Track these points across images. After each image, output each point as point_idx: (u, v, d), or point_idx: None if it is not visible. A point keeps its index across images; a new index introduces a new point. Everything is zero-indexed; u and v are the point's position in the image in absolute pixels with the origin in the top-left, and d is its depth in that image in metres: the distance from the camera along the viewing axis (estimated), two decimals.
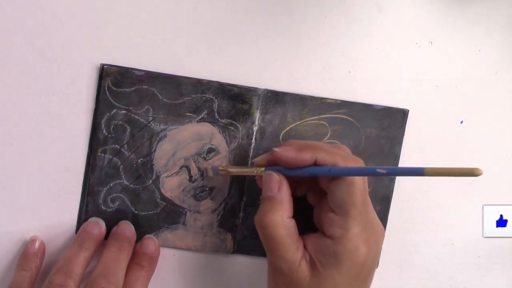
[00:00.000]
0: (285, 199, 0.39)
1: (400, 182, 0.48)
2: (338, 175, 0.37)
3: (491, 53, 0.48)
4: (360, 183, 0.37)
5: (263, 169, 0.41)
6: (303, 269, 0.38)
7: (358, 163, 0.38)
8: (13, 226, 0.42)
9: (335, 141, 0.46)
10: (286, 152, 0.39)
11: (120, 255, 0.41)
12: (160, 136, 0.43)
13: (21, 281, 0.40)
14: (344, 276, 0.38)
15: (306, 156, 0.38)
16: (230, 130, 0.44)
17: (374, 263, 0.40)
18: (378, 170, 0.34)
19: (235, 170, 0.43)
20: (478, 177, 0.49)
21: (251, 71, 0.44)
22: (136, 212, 0.43)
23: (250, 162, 0.45)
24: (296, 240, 0.39)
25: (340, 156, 0.38)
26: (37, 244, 0.42)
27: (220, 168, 0.43)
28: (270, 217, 0.39)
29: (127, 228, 0.43)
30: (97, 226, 0.42)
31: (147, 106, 0.42)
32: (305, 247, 0.39)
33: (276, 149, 0.39)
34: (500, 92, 0.49)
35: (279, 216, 0.39)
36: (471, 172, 0.28)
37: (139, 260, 0.42)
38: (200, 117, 0.43)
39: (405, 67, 0.47)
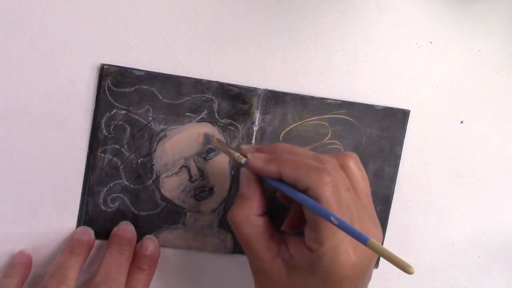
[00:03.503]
0: (254, 197, 0.39)
1: (401, 183, 0.48)
2: (300, 202, 0.36)
3: (491, 53, 0.48)
4: (329, 197, 0.35)
5: (245, 159, 0.40)
6: (277, 268, 0.38)
7: (322, 174, 0.36)
8: (13, 227, 0.42)
9: (337, 143, 0.46)
10: (254, 162, 0.38)
11: (121, 259, 0.41)
12: (160, 136, 0.43)
13: (6, 287, 0.40)
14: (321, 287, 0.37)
15: (272, 169, 0.37)
16: (230, 130, 0.44)
17: (363, 274, 0.38)
18: (332, 218, 0.33)
19: (222, 147, 0.42)
20: (478, 177, 0.50)
21: (251, 71, 0.44)
22: (136, 212, 0.43)
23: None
24: (267, 238, 0.38)
25: (304, 169, 0.36)
26: (24, 256, 0.42)
27: (212, 137, 0.43)
28: (236, 214, 0.38)
29: (127, 230, 0.42)
30: (87, 233, 0.42)
31: (147, 106, 0.42)
32: (287, 247, 0.39)
33: (249, 155, 0.39)
34: (500, 92, 0.49)
35: (245, 213, 0.38)
36: (405, 269, 0.29)
37: (140, 263, 0.42)
38: (200, 117, 0.43)
39: (405, 67, 0.47)
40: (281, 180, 0.37)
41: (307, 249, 0.37)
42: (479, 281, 0.52)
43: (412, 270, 0.29)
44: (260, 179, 0.39)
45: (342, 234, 0.36)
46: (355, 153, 0.41)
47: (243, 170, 0.40)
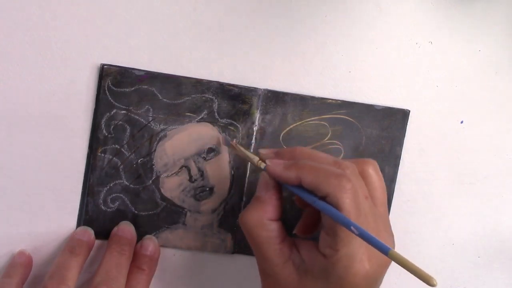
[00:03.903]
0: (270, 201, 0.39)
1: (401, 183, 0.48)
2: (320, 210, 0.36)
3: (491, 53, 0.48)
4: (348, 205, 0.35)
5: (264, 164, 0.40)
6: (288, 272, 0.38)
7: (342, 181, 0.35)
8: (13, 227, 0.42)
9: (337, 143, 0.46)
10: (273, 168, 0.38)
11: (121, 259, 0.41)
12: (160, 136, 0.43)
13: (6, 287, 0.40)
14: None
15: (291, 176, 0.37)
16: (230, 130, 0.44)
17: (375, 282, 0.38)
18: (352, 227, 0.33)
19: (242, 153, 0.42)
20: (478, 177, 0.50)
21: (251, 71, 0.44)
22: (136, 212, 0.43)
23: (249, 163, 0.44)
24: (279, 243, 0.38)
25: (323, 175, 0.36)
26: (24, 256, 0.42)
27: (232, 142, 0.43)
28: (249, 216, 0.38)
29: (127, 230, 0.42)
30: (87, 233, 0.42)
31: (147, 106, 0.42)
32: (299, 251, 0.39)
33: (268, 161, 0.39)
34: (500, 92, 0.49)
35: (259, 217, 0.38)
36: (427, 281, 0.29)
37: (140, 263, 0.42)
38: (200, 117, 0.43)
39: (405, 67, 0.47)
40: (300, 186, 0.37)
41: (320, 255, 0.37)
42: (479, 281, 0.52)
43: (435, 283, 0.29)
44: (279, 184, 0.39)
45: (358, 242, 0.36)
46: (375, 160, 0.41)
47: (263, 174, 0.39)
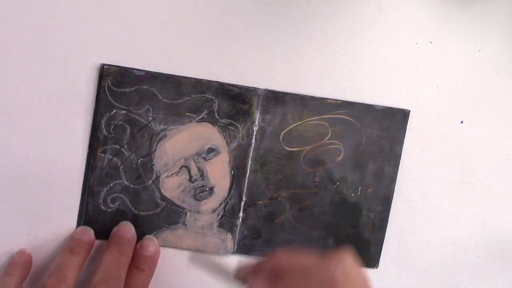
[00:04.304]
0: None
1: (401, 183, 0.48)
2: None
3: (491, 53, 0.48)
4: None
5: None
6: None
7: None
8: (13, 227, 0.42)
9: (337, 143, 0.46)
10: (255, 286, 0.38)
11: (120, 259, 0.41)
12: (160, 136, 0.43)
13: (6, 286, 0.40)
14: None
15: None
16: (230, 130, 0.44)
17: None
18: None
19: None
20: (478, 177, 0.50)
21: (251, 71, 0.44)
22: (136, 212, 0.43)
23: (249, 163, 0.44)
24: None
25: None
26: (24, 255, 0.42)
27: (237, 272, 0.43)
28: None
29: (127, 230, 0.43)
30: (87, 233, 0.42)
31: (147, 106, 0.42)
32: None
33: (249, 279, 0.39)
34: (500, 92, 0.49)
35: None
36: None
37: (139, 264, 0.42)
38: (200, 117, 0.43)
39: (405, 67, 0.47)
40: None
41: None
42: (479, 281, 0.52)
43: None
44: None
45: None
46: (349, 254, 0.38)
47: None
